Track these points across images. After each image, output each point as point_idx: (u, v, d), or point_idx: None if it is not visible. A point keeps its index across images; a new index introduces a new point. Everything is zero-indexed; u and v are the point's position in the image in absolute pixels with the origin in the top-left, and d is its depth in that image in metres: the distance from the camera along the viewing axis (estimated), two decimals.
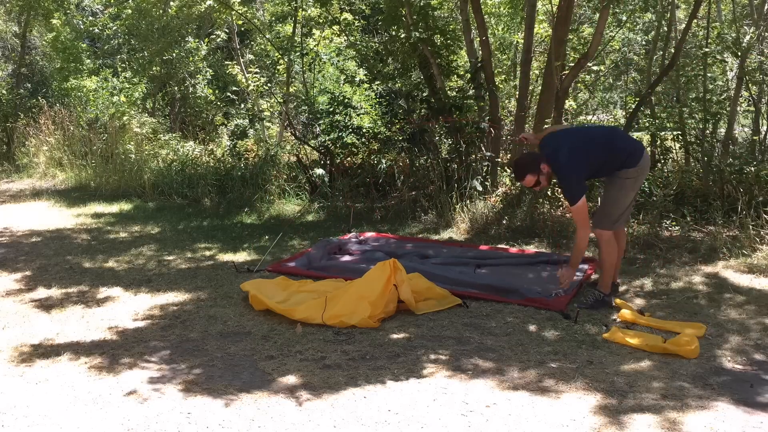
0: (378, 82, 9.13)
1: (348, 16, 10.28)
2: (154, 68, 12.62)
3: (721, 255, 5.48)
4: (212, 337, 3.92)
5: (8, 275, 5.29)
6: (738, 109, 8.53)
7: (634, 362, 3.52)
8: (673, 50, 7.73)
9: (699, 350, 3.61)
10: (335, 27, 10.42)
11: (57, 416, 2.97)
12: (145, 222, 7.46)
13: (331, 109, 9.15)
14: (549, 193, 6.85)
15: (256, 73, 11.79)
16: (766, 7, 8.48)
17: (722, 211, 6.30)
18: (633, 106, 8.31)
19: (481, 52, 7.87)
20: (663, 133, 7.87)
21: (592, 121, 10.32)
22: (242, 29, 14.09)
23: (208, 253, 6.02)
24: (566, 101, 8.02)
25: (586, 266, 5.24)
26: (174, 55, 12.34)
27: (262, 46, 14.70)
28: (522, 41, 8.78)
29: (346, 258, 5.64)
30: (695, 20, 8.15)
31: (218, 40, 13.76)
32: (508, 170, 7.57)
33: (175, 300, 4.64)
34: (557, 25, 7.29)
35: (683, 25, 8.07)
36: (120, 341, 3.87)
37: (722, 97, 7.99)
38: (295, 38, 10.90)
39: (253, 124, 11.39)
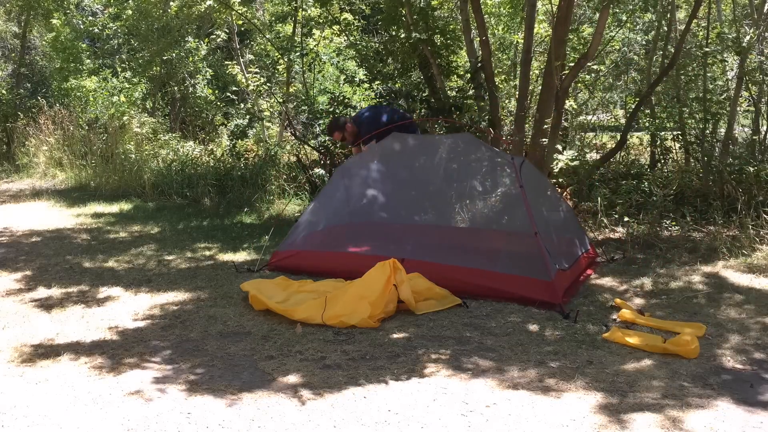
0: (378, 82, 9.13)
1: (348, 16, 10.28)
2: (154, 68, 12.61)
3: (721, 255, 5.48)
4: (212, 337, 3.92)
5: (8, 275, 5.29)
6: (738, 109, 8.53)
7: (634, 362, 3.52)
8: (673, 50, 7.73)
9: (699, 350, 3.61)
10: (335, 27, 10.41)
11: (57, 416, 2.97)
12: (145, 222, 7.46)
13: (331, 109, 9.15)
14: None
15: (256, 73, 11.79)
16: (766, 7, 8.48)
17: (722, 211, 6.31)
18: (633, 106, 8.31)
19: (481, 52, 7.87)
20: (663, 133, 7.88)
21: (592, 122, 10.32)
22: (242, 29, 14.08)
23: (208, 253, 6.02)
24: (566, 101, 8.01)
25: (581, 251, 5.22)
26: (174, 55, 12.33)
27: (262, 46, 14.69)
28: (522, 41, 8.78)
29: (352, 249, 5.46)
30: (695, 20, 8.15)
31: (218, 40, 13.75)
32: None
33: (175, 300, 4.64)
34: (557, 25, 7.28)
35: (683, 26, 8.07)
36: (120, 341, 3.87)
37: (722, 97, 8.00)
38: (295, 38, 10.90)
39: (251, 124, 11.40)
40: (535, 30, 8.86)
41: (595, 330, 3.98)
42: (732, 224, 6.12)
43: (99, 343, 3.83)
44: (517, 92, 8.76)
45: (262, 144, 10.90)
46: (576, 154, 6.97)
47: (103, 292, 4.82)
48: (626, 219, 6.34)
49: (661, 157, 8.09)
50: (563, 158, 6.72)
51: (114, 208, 8.38)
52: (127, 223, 7.43)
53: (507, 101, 10.22)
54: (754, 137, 7.82)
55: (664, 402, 3.07)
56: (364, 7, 11.42)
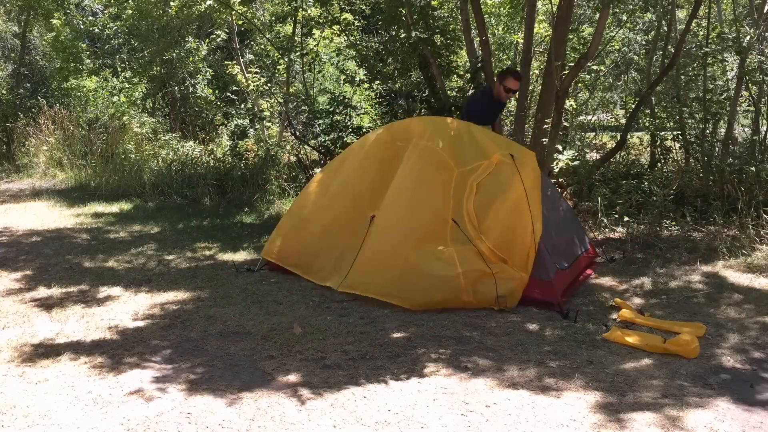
0: (378, 82, 9.13)
1: (348, 16, 10.28)
2: (154, 68, 12.61)
3: (721, 255, 5.49)
4: (212, 337, 3.92)
5: (8, 275, 5.29)
6: (738, 109, 8.52)
7: (634, 362, 3.52)
8: (673, 50, 7.73)
9: (699, 350, 3.62)
10: (335, 27, 10.41)
11: (57, 416, 2.97)
12: (145, 222, 7.46)
13: (331, 109, 9.15)
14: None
15: (256, 73, 11.79)
16: (766, 8, 8.48)
17: (722, 211, 6.31)
18: (633, 106, 8.31)
19: (481, 52, 7.87)
20: (663, 133, 7.88)
21: (592, 122, 10.32)
22: (242, 29, 14.08)
23: (208, 252, 6.02)
24: (566, 101, 8.01)
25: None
26: (174, 55, 12.33)
27: (262, 46, 14.69)
28: (522, 41, 8.78)
29: None
30: (695, 20, 8.15)
31: (218, 40, 13.75)
32: None
33: (175, 300, 4.64)
34: (557, 25, 7.28)
35: (683, 26, 8.07)
36: (120, 341, 3.87)
37: (722, 97, 7.99)
38: (295, 38, 10.90)
39: (253, 124, 11.40)
40: (535, 30, 8.86)
41: (594, 330, 3.99)
42: (732, 224, 6.12)
43: (99, 343, 3.83)
44: (517, 92, 8.75)
45: (262, 144, 10.90)
46: (576, 154, 6.97)
47: (103, 291, 4.82)
48: (626, 219, 6.34)
49: (661, 157, 8.09)
50: (563, 158, 6.72)
51: (114, 208, 8.39)
52: (127, 223, 7.43)
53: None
54: (754, 137, 7.82)
55: (663, 401, 3.07)
56: (364, 7, 11.42)
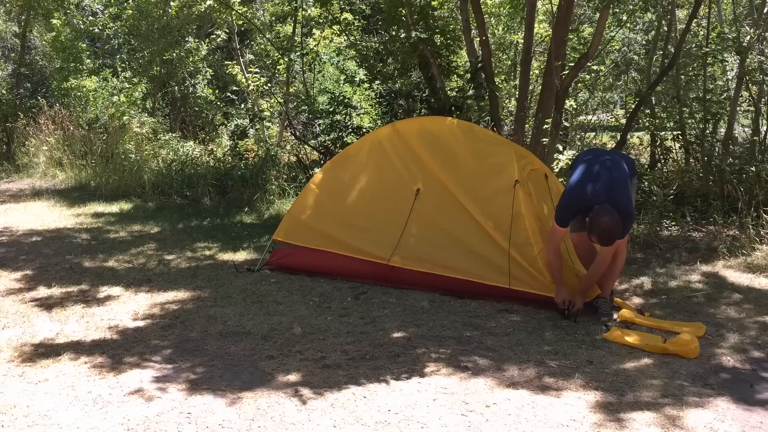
0: (378, 82, 9.13)
1: (348, 16, 10.28)
2: (154, 68, 12.61)
3: (721, 255, 5.49)
4: (212, 337, 3.92)
5: (9, 275, 5.28)
6: (738, 109, 8.53)
7: (634, 362, 3.52)
8: (673, 50, 7.74)
9: (699, 350, 3.62)
10: (335, 27, 10.42)
11: (57, 416, 2.97)
12: (145, 222, 7.46)
13: (331, 109, 9.15)
14: None
15: (256, 73, 11.79)
16: (766, 8, 8.48)
17: (722, 211, 6.31)
18: (633, 106, 8.32)
19: (481, 52, 7.88)
20: (663, 133, 7.88)
21: (593, 122, 10.31)
22: (242, 29, 14.08)
23: (208, 252, 6.02)
24: (566, 101, 8.01)
25: None
26: (174, 55, 12.34)
27: (262, 46, 14.69)
28: (522, 41, 8.78)
29: None
30: (695, 20, 8.15)
31: (218, 40, 13.76)
32: None
33: (176, 299, 4.64)
34: (557, 25, 7.29)
35: (683, 25, 8.08)
36: (120, 341, 3.87)
37: (722, 97, 8.00)
38: (295, 38, 10.90)
39: (253, 124, 11.40)
40: (535, 30, 8.86)
41: (594, 330, 3.99)
42: (732, 224, 6.13)
43: (99, 343, 3.83)
44: (517, 92, 8.76)
45: (262, 144, 10.90)
46: (576, 153, 6.97)
47: (104, 291, 4.82)
48: None
49: (661, 157, 8.09)
50: (563, 158, 6.72)
51: (114, 207, 8.38)
52: (127, 222, 7.43)
53: (507, 101, 10.23)
54: (754, 137, 7.82)
55: (663, 401, 3.07)
56: (364, 7, 11.43)
